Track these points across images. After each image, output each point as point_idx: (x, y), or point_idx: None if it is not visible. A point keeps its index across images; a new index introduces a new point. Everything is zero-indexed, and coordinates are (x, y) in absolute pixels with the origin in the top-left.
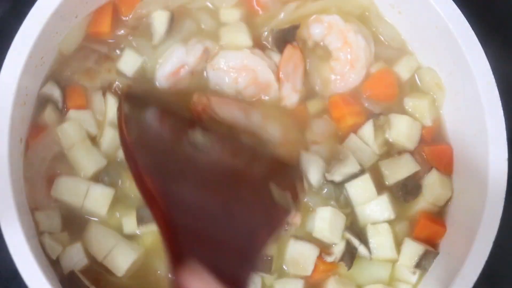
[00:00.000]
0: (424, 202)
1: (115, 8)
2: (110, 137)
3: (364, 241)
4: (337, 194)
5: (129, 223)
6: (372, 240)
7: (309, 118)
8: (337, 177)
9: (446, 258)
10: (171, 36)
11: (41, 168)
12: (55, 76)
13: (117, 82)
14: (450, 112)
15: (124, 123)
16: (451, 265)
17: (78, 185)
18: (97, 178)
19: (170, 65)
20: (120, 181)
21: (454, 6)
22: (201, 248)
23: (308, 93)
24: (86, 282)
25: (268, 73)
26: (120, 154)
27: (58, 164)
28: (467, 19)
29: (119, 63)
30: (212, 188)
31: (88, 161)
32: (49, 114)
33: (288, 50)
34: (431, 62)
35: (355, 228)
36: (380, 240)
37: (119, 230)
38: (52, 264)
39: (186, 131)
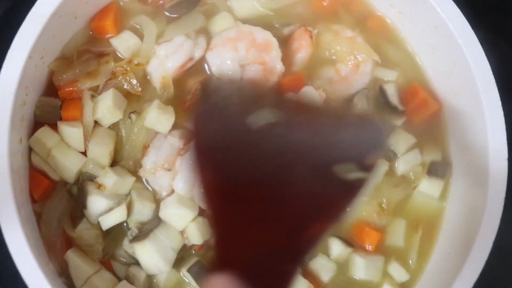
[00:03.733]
0: None
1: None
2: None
3: None
4: None
5: None
6: None
7: None
8: None
9: (446, 258)
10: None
11: (58, 229)
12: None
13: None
14: (450, 112)
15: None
16: (451, 265)
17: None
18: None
19: (181, 58)
20: None
21: (454, 6)
22: (244, 253)
23: None
24: None
25: (265, 33)
26: None
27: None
28: (467, 19)
29: (116, 39)
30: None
31: (69, 162)
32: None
33: (299, 31)
34: (431, 62)
35: None
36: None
37: None
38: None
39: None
